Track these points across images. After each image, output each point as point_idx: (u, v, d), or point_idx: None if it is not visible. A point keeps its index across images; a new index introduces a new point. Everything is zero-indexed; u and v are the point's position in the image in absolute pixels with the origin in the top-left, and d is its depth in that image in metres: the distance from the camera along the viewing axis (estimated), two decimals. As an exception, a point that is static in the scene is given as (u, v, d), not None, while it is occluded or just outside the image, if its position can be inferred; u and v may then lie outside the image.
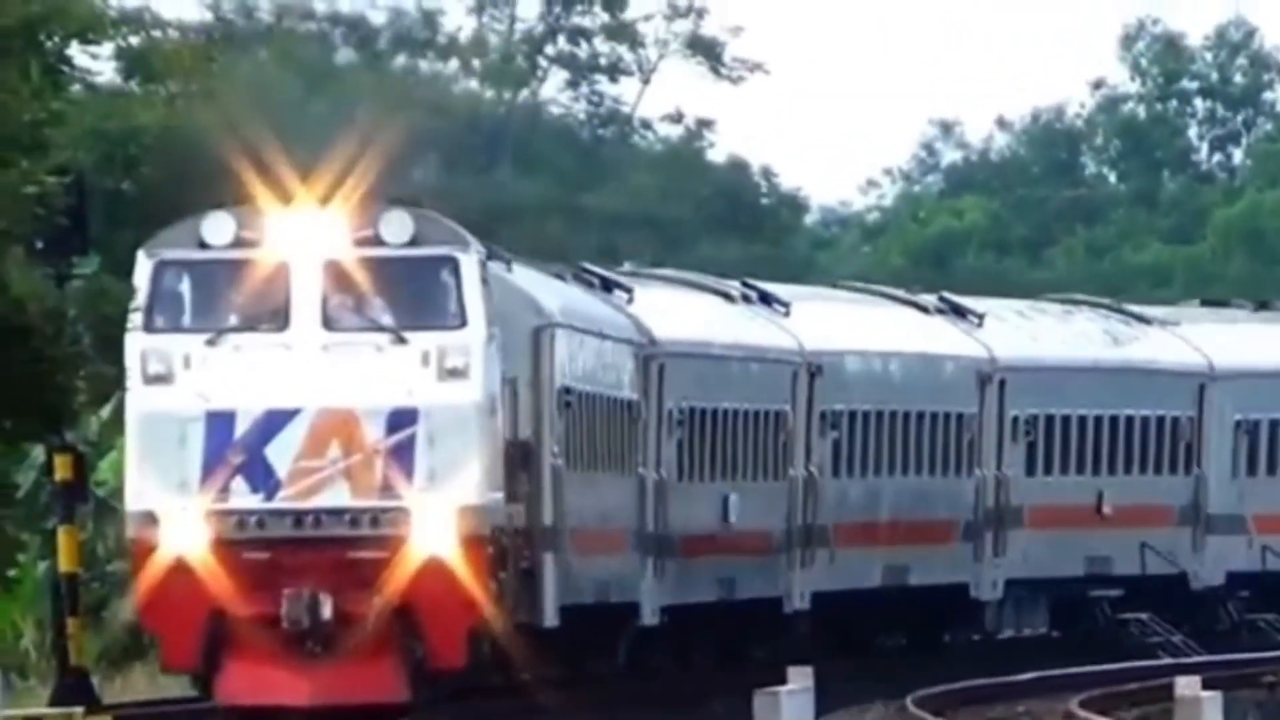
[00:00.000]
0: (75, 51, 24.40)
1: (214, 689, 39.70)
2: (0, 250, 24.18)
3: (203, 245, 40.41)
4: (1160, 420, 65.36)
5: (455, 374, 39.78)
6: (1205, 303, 77.09)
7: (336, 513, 39.48)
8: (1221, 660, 58.74)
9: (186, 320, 40.47)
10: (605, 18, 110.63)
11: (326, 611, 38.96)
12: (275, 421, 39.57)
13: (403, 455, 39.48)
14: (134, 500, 39.66)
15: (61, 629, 43.14)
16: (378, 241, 40.74)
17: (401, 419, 39.57)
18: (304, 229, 40.56)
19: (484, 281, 41.00)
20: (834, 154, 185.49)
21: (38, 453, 33.52)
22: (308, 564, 39.25)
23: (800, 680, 44.51)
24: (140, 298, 40.02)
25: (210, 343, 39.98)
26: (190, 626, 39.11)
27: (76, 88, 24.90)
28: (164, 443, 39.48)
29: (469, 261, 40.76)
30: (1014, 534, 64.42)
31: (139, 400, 39.94)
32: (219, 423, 39.49)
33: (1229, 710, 43.90)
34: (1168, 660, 61.96)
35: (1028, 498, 64.21)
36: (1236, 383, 64.53)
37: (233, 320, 40.33)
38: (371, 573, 39.39)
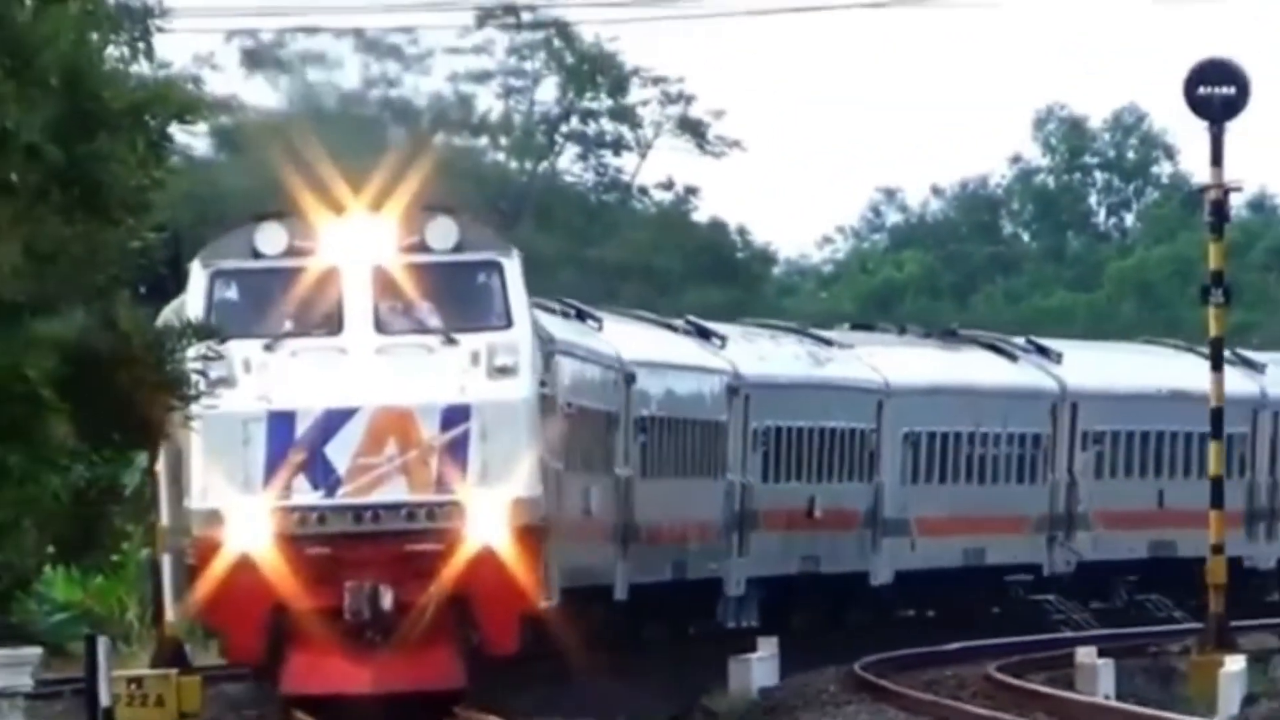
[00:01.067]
0: (174, 129, 21.72)
1: (278, 680, 32.11)
2: (110, 293, 21.30)
3: (256, 255, 33.02)
4: (850, 432, 57.17)
5: (505, 372, 32.41)
6: (869, 329, 67.79)
7: (394, 507, 32.05)
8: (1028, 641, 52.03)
9: (245, 326, 32.05)
10: (610, 102, 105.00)
11: (386, 602, 31.48)
12: (334, 421, 32.11)
13: (456, 451, 32.12)
14: (199, 499, 32.28)
15: (159, 605, 37.57)
16: (424, 248, 33.20)
17: (455, 416, 32.15)
18: (353, 237, 32.93)
19: (524, 284, 33.76)
20: (797, 215, 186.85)
21: (142, 458, 29.40)
22: (367, 557, 31.79)
23: (768, 649, 43.26)
24: (197, 306, 32.01)
25: (268, 347, 32.42)
26: (254, 620, 31.81)
27: (175, 159, 22.28)
28: (228, 443, 31.97)
29: (512, 265, 33.46)
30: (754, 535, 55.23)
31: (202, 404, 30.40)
32: (280, 423, 32.07)
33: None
34: (1069, 634, 54.37)
35: (762, 503, 55.00)
36: (906, 398, 56.22)
37: (288, 326, 32.86)
38: (428, 564, 32.06)
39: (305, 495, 32.07)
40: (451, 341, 32.58)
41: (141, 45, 20.84)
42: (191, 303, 32.36)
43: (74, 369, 19.43)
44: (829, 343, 59.75)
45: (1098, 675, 40.71)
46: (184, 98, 21.39)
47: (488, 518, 31.74)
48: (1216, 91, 40.15)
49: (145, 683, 31.45)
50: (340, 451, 31.93)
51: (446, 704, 32.19)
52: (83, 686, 24.05)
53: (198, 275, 33.07)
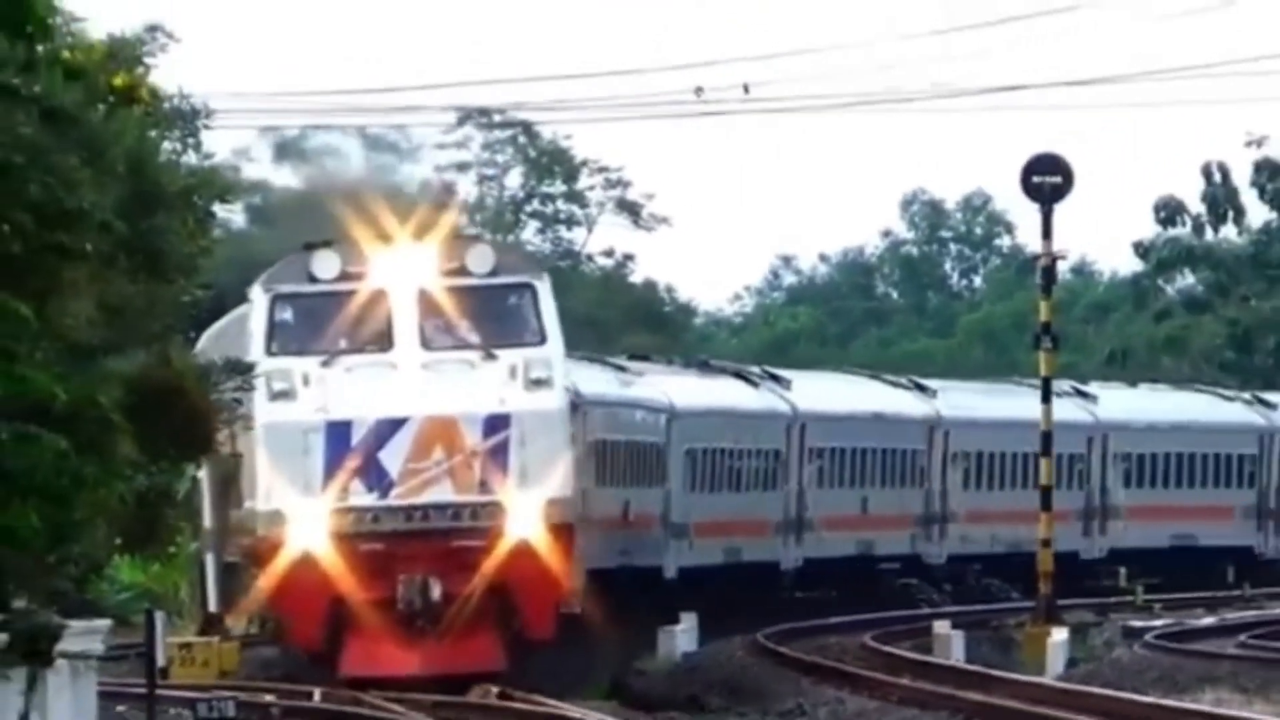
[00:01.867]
0: (217, 208, 23.19)
1: (336, 664, 29.40)
2: (166, 338, 22.50)
3: (312, 279, 30.26)
4: (646, 446, 52.15)
5: (540, 384, 29.83)
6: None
7: (441, 507, 29.46)
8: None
9: (302, 344, 30.13)
10: (564, 188, 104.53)
11: (435, 594, 29.05)
12: (386, 429, 29.43)
13: (498, 456, 29.49)
14: (263, 501, 29.58)
15: (203, 588, 37.15)
16: (465, 272, 30.47)
17: (496, 424, 29.54)
18: (400, 262, 30.29)
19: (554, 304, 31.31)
20: (713, 276, 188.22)
21: (191, 469, 29.25)
22: (417, 553, 29.26)
23: (688, 621, 42.08)
24: (258, 326, 30.24)
25: (325, 363, 29.76)
26: (314, 610, 29.15)
27: (217, 231, 23.38)
28: (289, 450, 29.38)
29: (544, 288, 30.88)
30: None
31: (266, 414, 29.62)
32: (337, 432, 29.38)
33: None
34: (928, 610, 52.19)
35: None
36: (686, 419, 52.20)
37: (342, 343, 30.17)
38: (472, 559, 29.41)
39: (361, 497, 29.39)
40: (491, 357, 29.83)
41: (191, 140, 22.03)
42: (254, 323, 30.33)
43: (137, 398, 19.30)
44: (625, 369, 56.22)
45: (951, 644, 40.52)
46: (224, 182, 22.86)
47: (525, 516, 29.16)
48: (1046, 180, 40.59)
49: (193, 648, 32.34)
50: (392, 457, 29.32)
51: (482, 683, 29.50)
52: (143, 651, 24.06)
53: (259, 298, 30.55)
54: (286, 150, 45.12)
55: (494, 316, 30.76)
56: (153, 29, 22.16)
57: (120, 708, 25.22)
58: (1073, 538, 58.40)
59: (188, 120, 22.89)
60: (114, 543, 21.90)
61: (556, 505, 29.77)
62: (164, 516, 22.95)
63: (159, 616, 24.92)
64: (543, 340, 30.43)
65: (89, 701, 19.97)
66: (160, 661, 24.49)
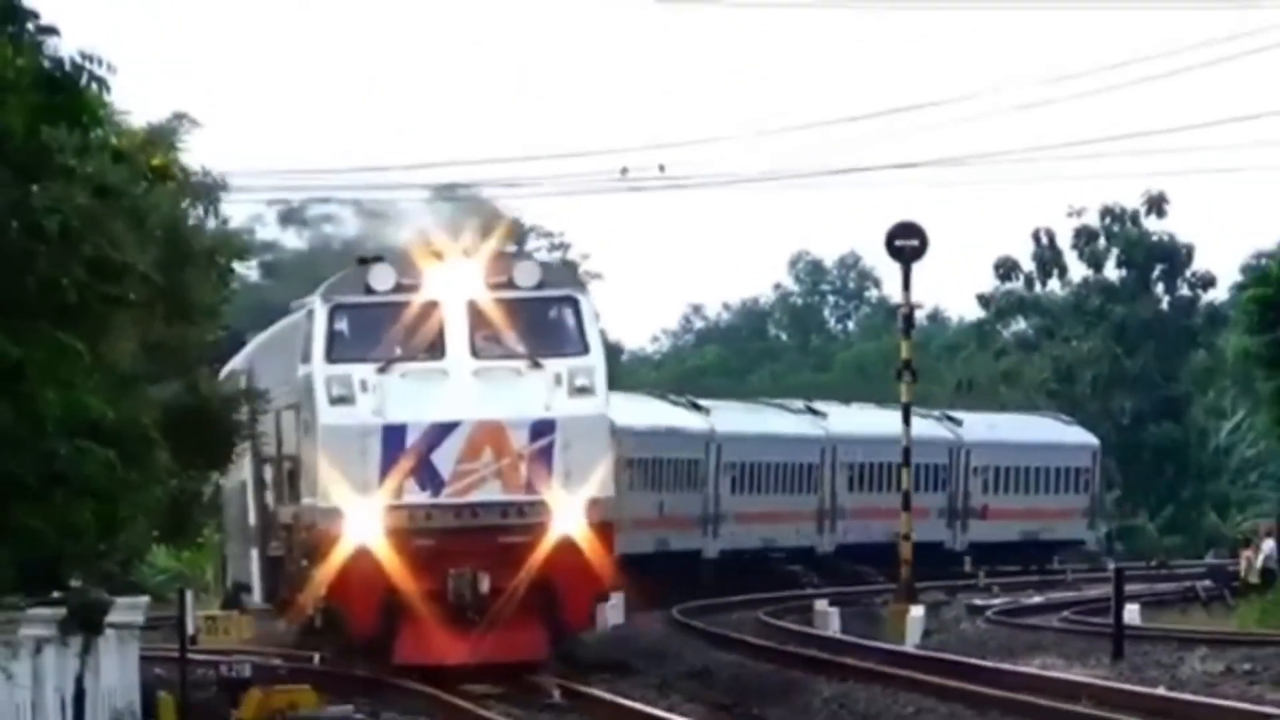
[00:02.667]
0: (236, 265, 24.98)
1: (390, 653, 26.74)
2: (195, 370, 24.27)
3: (369, 290, 27.40)
4: None
5: (583, 391, 27.06)
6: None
7: (490, 506, 26.69)
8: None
9: (359, 352, 27.32)
10: (515, 249, 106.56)
11: (484, 587, 26.32)
12: (439, 432, 26.62)
13: (543, 458, 26.77)
14: (322, 498, 26.61)
15: (224, 570, 39.18)
16: (512, 285, 27.58)
17: (542, 428, 26.77)
18: (451, 275, 27.46)
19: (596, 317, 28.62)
20: (637, 320, 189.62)
21: (215, 476, 27.08)
22: (467, 548, 26.57)
23: (616, 599, 37.58)
24: (318, 334, 27.34)
25: (381, 370, 26.88)
26: (370, 602, 26.34)
27: (235, 284, 23.82)
28: (348, 451, 26.44)
29: (586, 301, 27.98)
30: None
31: (327, 417, 26.79)
32: (393, 435, 26.58)
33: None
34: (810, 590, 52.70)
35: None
36: (629, 435, 49.63)
37: (397, 351, 27.33)
38: (518, 554, 26.64)
39: (414, 495, 26.39)
40: (537, 365, 26.88)
41: (212, 209, 23.30)
42: (314, 332, 27.25)
43: (171, 419, 19.78)
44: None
45: (829, 619, 40.61)
46: (240, 244, 25.29)
47: (569, 514, 26.31)
48: (906, 243, 40.98)
49: (216, 620, 30.22)
50: (444, 458, 26.40)
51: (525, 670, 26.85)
52: (176, 622, 24.81)
53: (319, 309, 27.28)
54: (291, 217, 46.85)
55: (539, 327, 27.72)
56: (180, 116, 23.01)
57: (157, 670, 26.01)
58: (940, 531, 60.84)
59: (210, 192, 23.51)
60: (152, 534, 23.26)
61: (597, 504, 26.73)
62: (193, 514, 25.04)
63: (189, 594, 26.35)
64: (585, 350, 27.43)
65: (132, 664, 21.55)
66: (190, 631, 25.15)
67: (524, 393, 27.00)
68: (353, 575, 26.19)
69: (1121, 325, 65.19)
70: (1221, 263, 66.81)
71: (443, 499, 26.76)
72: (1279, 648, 30.57)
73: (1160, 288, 68.68)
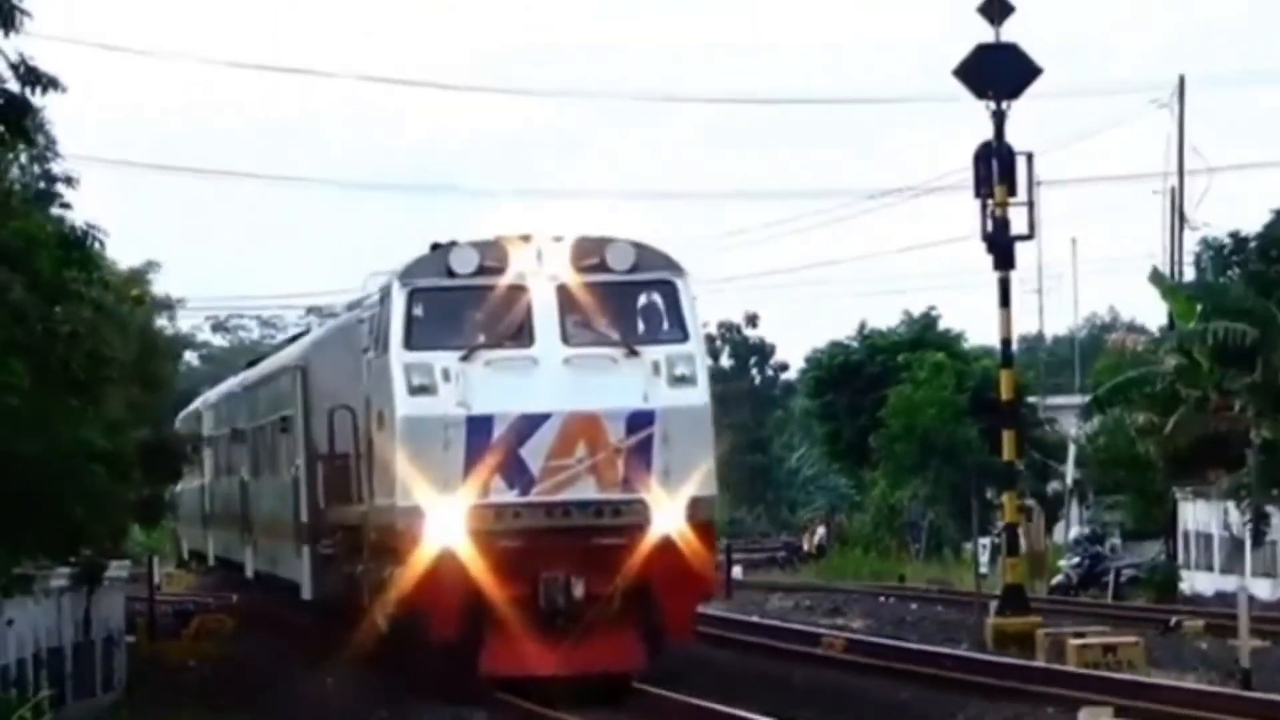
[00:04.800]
0: (187, 355, 44.35)
1: (475, 663, 23.54)
2: (160, 420, 34.96)
3: (449, 273, 24.20)
4: None
5: (683, 381, 23.74)
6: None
7: (583, 505, 23.36)
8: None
9: (441, 339, 24.04)
10: None
11: (578, 592, 23.19)
12: (528, 425, 23.29)
13: (641, 453, 23.41)
14: (403, 496, 23.44)
15: (177, 544, 56.57)
16: (604, 268, 24.39)
17: (640, 420, 23.43)
18: (538, 258, 24.28)
19: (694, 302, 25.04)
20: None
21: (171, 485, 36.31)
22: (558, 550, 23.33)
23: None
24: (395, 320, 24.14)
25: (465, 358, 23.56)
26: (453, 608, 23.14)
27: (184, 366, 43.29)
28: (430, 445, 23.23)
29: (684, 285, 24.56)
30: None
31: (406, 408, 23.54)
32: (479, 427, 23.17)
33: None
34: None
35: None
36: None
37: (480, 338, 24.06)
38: (614, 557, 23.39)
39: (501, 494, 23.27)
40: (633, 353, 23.81)
41: (170, 318, 38.98)
42: (393, 318, 24.28)
43: (143, 451, 27.39)
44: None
45: None
46: (187, 341, 44.11)
47: (669, 515, 23.27)
48: None
49: (172, 576, 52.64)
50: (534, 453, 23.27)
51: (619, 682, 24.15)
52: (146, 576, 38.21)
53: (397, 294, 24.28)
54: (218, 326, 78.54)
55: (634, 313, 24.72)
56: (151, 262, 35.77)
57: (136, 605, 34.78)
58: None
59: (169, 309, 39.04)
60: (131, 519, 31.83)
61: (700, 503, 23.57)
62: (157, 509, 34.02)
63: (155, 559, 42.80)
64: (684, 337, 24.21)
65: (119, 601, 29.61)
66: (155, 581, 39.67)
67: (620, 382, 23.88)
68: (434, 580, 23.27)
69: (724, 394, 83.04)
70: (793, 354, 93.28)
71: (533, 497, 23.60)
72: (827, 593, 49.21)
73: (754, 371, 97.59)
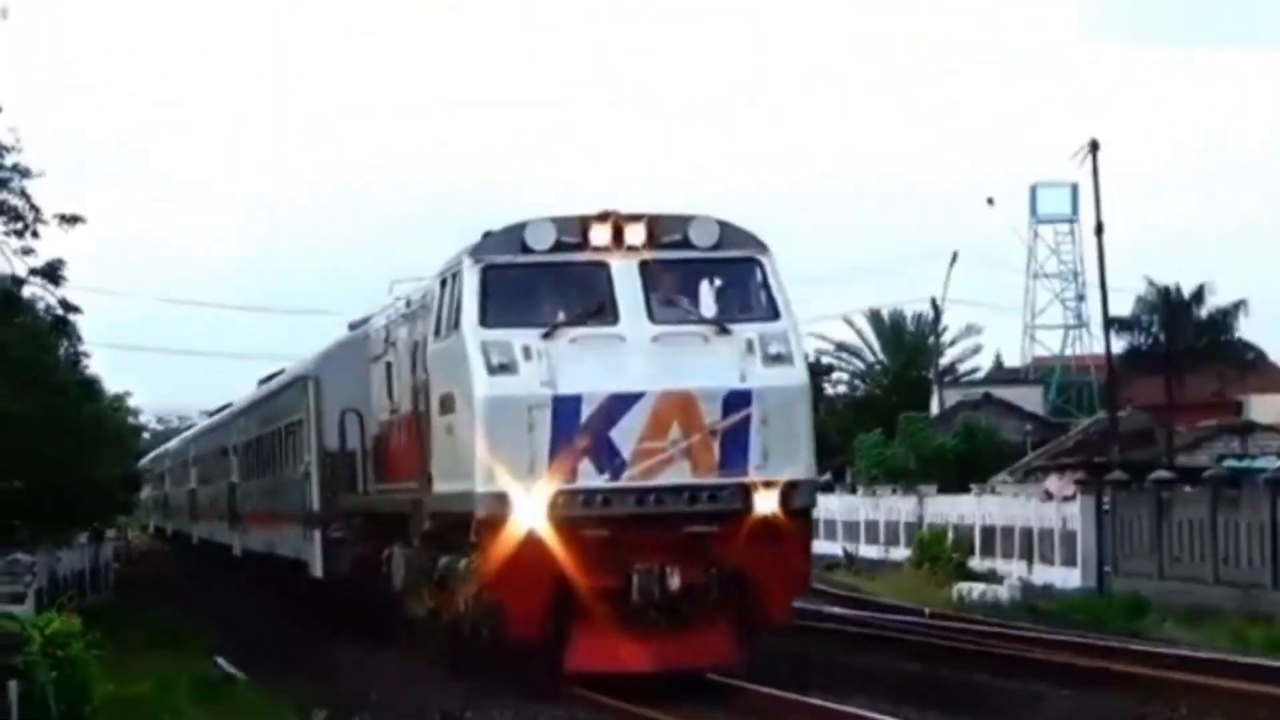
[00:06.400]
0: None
1: (559, 659, 21.82)
2: (126, 467, 59.12)
3: (525, 249, 22.52)
4: None
5: (779, 360, 21.99)
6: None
7: (677, 490, 21.44)
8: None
9: (519, 316, 22.35)
10: None
11: (673, 583, 21.39)
12: (619, 406, 21.39)
13: (739, 435, 21.58)
14: (484, 482, 21.44)
15: (145, 522, 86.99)
16: (687, 244, 22.77)
17: (736, 401, 21.59)
18: (617, 235, 22.67)
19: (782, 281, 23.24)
20: None
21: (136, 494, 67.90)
22: (649, 539, 21.46)
23: None
24: (469, 297, 22.36)
25: (547, 335, 21.89)
26: (538, 599, 21.38)
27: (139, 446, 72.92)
28: (513, 428, 21.36)
29: (770, 263, 22.92)
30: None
31: (486, 388, 21.62)
32: (565, 408, 21.35)
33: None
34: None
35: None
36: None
37: (560, 316, 22.39)
38: (709, 546, 21.62)
39: (590, 478, 21.37)
40: (725, 331, 22.17)
41: (132, 415, 70.67)
42: (465, 295, 22.49)
43: (121, 479, 49.66)
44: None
45: None
46: (140, 428, 79.65)
47: (767, 501, 21.54)
48: None
49: (138, 538, 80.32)
50: (625, 436, 21.40)
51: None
52: (124, 539, 66.19)
53: (469, 270, 22.49)
54: (164, 420, 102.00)
55: (722, 291, 23.11)
56: (126, 392, 63.18)
57: (119, 550, 60.86)
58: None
59: (133, 412, 70.50)
60: (118, 512, 56.91)
61: (799, 488, 21.84)
62: (132, 504, 65.47)
63: (129, 530, 75.78)
64: (775, 315, 22.53)
65: (110, 550, 52.71)
66: (130, 539, 73.59)
67: (713, 361, 22.11)
68: (517, 570, 21.44)
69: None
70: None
71: (623, 482, 21.70)
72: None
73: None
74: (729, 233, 23.14)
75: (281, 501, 38.43)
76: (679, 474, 21.57)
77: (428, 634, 25.89)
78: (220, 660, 27.98)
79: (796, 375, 22.22)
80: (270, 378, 45.10)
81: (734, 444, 21.66)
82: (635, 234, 22.72)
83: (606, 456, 21.50)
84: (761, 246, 23.25)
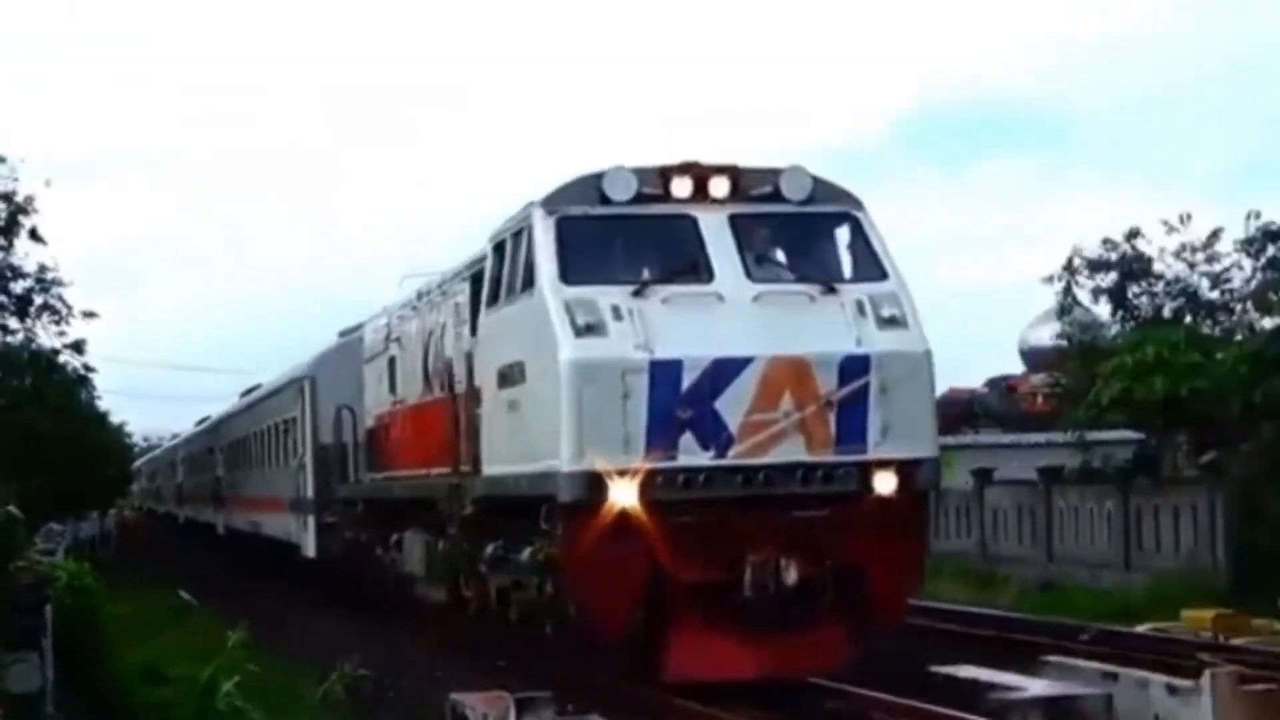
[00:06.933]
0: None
1: (653, 664, 18.83)
2: (125, 468, 77.40)
3: (604, 200, 19.60)
4: None
5: (894, 323, 19.21)
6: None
7: (790, 469, 18.43)
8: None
9: (602, 273, 19.32)
10: None
11: (789, 577, 18.50)
12: (725, 372, 18.33)
13: (855, 407, 18.72)
14: (573, 459, 18.23)
15: (136, 502, 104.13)
16: (779, 198, 19.96)
17: (854, 367, 18.69)
18: (704, 186, 19.82)
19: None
20: None
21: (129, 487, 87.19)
22: (759, 526, 18.47)
23: None
24: (544, 251, 19.38)
25: (637, 293, 18.89)
26: (629, 595, 18.33)
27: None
28: (605, 397, 18.30)
29: (867, 219, 20.14)
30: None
31: (573, 350, 18.52)
32: (665, 374, 18.22)
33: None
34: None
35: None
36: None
37: (646, 273, 19.38)
38: (826, 533, 18.65)
39: (693, 455, 18.28)
40: (831, 290, 19.43)
41: (126, 433, 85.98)
42: (539, 250, 19.48)
43: (118, 476, 67.52)
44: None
45: None
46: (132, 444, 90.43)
47: (886, 481, 18.74)
48: None
49: (133, 513, 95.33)
50: (732, 406, 18.36)
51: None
52: (120, 512, 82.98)
53: (541, 223, 19.59)
54: (147, 437, 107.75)
55: (820, 248, 20.27)
56: (124, 421, 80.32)
57: (119, 521, 79.42)
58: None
59: (128, 435, 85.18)
60: (118, 496, 73.83)
61: (921, 467, 19.00)
62: (126, 493, 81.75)
63: (125, 510, 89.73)
64: (883, 275, 19.78)
65: (113, 521, 75.21)
66: (126, 515, 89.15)
67: (824, 323, 19.18)
68: (607, 561, 18.30)
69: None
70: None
71: (730, 460, 18.59)
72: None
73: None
74: (820, 186, 20.49)
75: (269, 490, 42.74)
76: (792, 450, 18.65)
77: (446, 619, 24.70)
78: (182, 593, 38.09)
79: (917, 340, 19.42)
80: (249, 391, 53.87)
81: (851, 417, 18.81)
82: (719, 186, 20.03)
83: (712, 430, 18.51)
84: (856, 201, 20.57)
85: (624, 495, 18.17)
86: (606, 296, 18.95)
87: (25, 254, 37.78)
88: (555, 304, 18.99)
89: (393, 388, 27.94)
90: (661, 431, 18.36)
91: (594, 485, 18.26)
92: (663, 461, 18.31)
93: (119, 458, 68.56)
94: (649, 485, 18.20)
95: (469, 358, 22.44)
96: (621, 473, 18.15)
